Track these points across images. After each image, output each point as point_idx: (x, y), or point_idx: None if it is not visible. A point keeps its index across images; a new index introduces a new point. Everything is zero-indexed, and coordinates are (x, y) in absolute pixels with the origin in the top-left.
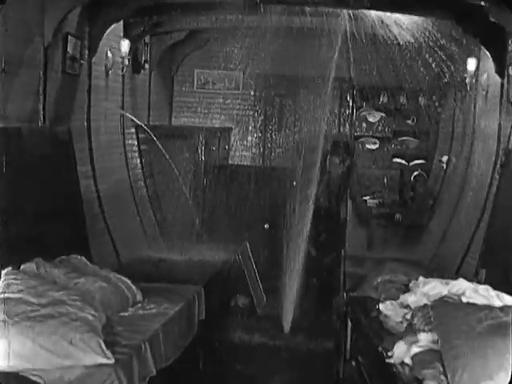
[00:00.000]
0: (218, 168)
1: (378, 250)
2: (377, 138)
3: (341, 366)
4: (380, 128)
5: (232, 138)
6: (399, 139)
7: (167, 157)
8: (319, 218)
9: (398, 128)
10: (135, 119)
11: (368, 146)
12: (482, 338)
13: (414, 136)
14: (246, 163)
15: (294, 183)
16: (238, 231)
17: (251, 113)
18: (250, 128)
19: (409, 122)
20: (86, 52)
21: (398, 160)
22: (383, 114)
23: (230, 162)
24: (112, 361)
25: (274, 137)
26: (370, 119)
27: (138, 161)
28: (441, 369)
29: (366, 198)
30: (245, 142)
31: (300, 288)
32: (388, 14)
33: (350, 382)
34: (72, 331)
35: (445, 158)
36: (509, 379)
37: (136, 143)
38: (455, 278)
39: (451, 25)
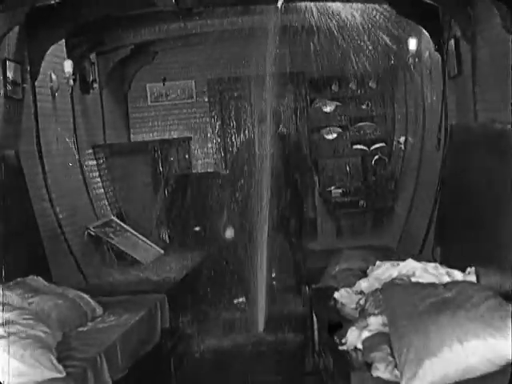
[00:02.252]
0: (176, 178)
1: (348, 239)
2: (335, 127)
3: (311, 359)
4: (336, 117)
5: (192, 147)
6: (357, 125)
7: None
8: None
9: (354, 115)
10: (68, 140)
11: (327, 137)
12: (424, 316)
13: (371, 120)
14: (209, 170)
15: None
16: (205, 238)
17: (208, 119)
18: (209, 135)
19: (363, 107)
20: (28, 76)
21: (358, 146)
22: (338, 103)
23: (193, 170)
24: (63, 374)
25: (233, 140)
26: (326, 109)
27: (99, 180)
28: (389, 350)
29: (331, 188)
30: (205, 150)
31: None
32: (326, 3)
33: (317, 374)
34: (21, 349)
35: (402, 139)
36: (454, 355)
37: (95, 163)
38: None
39: (388, 8)
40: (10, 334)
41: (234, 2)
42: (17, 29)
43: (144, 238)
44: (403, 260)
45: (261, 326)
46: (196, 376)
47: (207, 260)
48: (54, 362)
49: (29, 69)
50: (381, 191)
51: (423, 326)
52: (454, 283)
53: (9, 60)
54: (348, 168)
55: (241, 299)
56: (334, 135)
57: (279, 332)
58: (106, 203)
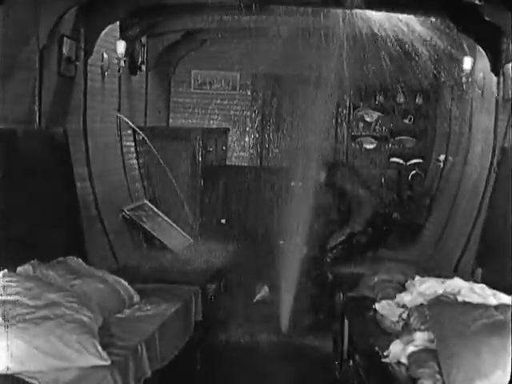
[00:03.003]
0: (215, 169)
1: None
2: (374, 137)
3: (338, 366)
4: (377, 127)
5: (229, 139)
6: (396, 138)
7: (160, 161)
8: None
9: (395, 127)
10: (128, 121)
11: (365, 146)
12: (477, 336)
13: (411, 135)
14: (243, 164)
15: (293, 183)
16: (237, 232)
17: (248, 113)
18: (248, 129)
19: (406, 121)
20: (82, 54)
21: (396, 159)
22: (380, 114)
23: (227, 162)
24: (108, 362)
25: (271, 137)
26: (367, 119)
27: (135, 162)
28: (436, 368)
29: None
30: (242, 143)
31: (298, 287)
32: (384, 13)
33: (346, 381)
34: (68, 333)
35: (442, 157)
36: (508, 378)
37: (133, 145)
38: (452, 277)
39: (447, 24)
40: (55, 317)
41: (297, 3)
42: (76, 7)
43: (175, 225)
44: (444, 277)
45: (284, 327)
46: (225, 371)
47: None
48: (99, 348)
49: (83, 47)
50: (415, 206)
51: (475, 346)
52: (505, 306)
53: (65, 36)
54: (383, 179)
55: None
56: (373, 145)
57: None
58: (141, 186)
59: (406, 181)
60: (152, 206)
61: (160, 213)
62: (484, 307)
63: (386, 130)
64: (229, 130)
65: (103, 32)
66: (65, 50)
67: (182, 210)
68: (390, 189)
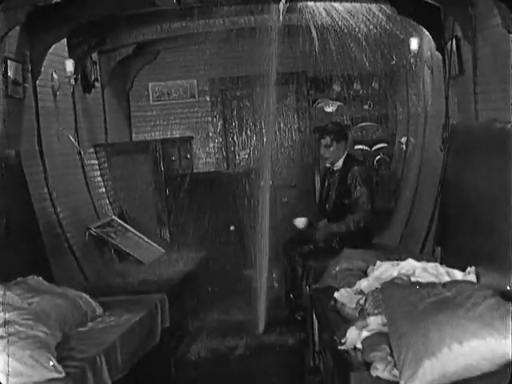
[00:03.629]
0: (180, 177)
1: None
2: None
3: (311, 359)
4: (338, 117)
5: (194, 146)
6: (358, 126)
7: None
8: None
9: (355, 115)
10: (73, 141)
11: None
12: (423, 315)
13: (373, 121)
14: (210, 169)
15: (262, 183)
16: (207, 237)
17: (210, 119)
18: (211, 134)
19: (366, 107)
20: (29, 75)
21: (360, 146)
22: (340, 103)
23: (194, 170)
24: (62, 375)
25: (235, 140)
26: (328, 109)
27: (100, 179)
28: (388, 350)
29: None
30: (207, 149)
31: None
32: (329, 2)
33: (317, 373)
34: (21, 349)
35: (403, 140)
36: (453, 355)
37: (96, 162)
38: (419, 259)
39: (389, 7)
40: (9, 335)
41: (235, 2)
42: (18, 28)
43: (145, 238)
44: (403, 260)
45: (261, 328)
46: (195, 376)
47: (206, 260)
48: (54, 362)
49: (30, 68)
50: (382, 192)
51: (422, 325)
52: (454, 283)
53: (10, 59)
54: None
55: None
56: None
57: (279, 333)
58: (108, 202)
59: (372, 167)
60: (120, 221)
61: (129, 227)
62: (432, 285)
63: (348, 118)
64: (192, 137)
65: (49, 51)
66: (10, 73)
67: (150, 223)
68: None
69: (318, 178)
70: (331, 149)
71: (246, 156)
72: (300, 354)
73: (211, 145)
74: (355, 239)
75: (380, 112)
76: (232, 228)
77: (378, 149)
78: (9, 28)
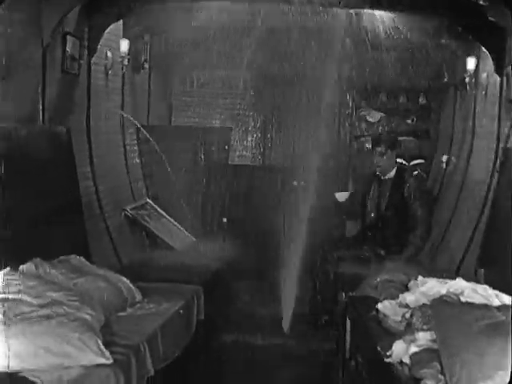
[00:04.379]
0: (217, 167)
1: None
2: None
3: (340, 366)
4: (380, 128)
5: (232, 138)
6: (399, 139)
7: (163, 159)
8: None
9: (397, 128)
10: (133, 120)
11: (367, 146)
12: (480, 336)
13: (414, 136)
14: (246, 163)
15: (295, 183)
16: (239, 231)
17: (251, 113)
18: (250, 128)
19: (408, 121)
20: (86, 52)
21: (398, 160)
22: (383, 114)
23: (230, 162)
24: (110, 361)
25: (273, 136)
26: (370, 119)
27: (138, 161)
28: (439, 368)
29: None
30: (245, 142)
31: (300, 288)
32: (387, 12)
33: (349, 381)
34: (70, 331)
35: (444, 158)
36: (508, 379)
37: (136, 143)
38: (455, 277)
39: (450, 24)
40: (57, 315)
41: (301, 2)
42: (79, 5)
43: (177, 224)
44: (446, 278)
45: (286, 327)
46: (227, 369)
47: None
48: (102, 347)
49: (87, 45)
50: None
51: (478, 346)
52: (507, 307)
53: (69, 34)
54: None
55: None
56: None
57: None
58: (144, 185)
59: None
60: (154, 205)
61: (162, 212)
62: (486, 308)
63: (388, 130)
64: (231, 129)
65: (106, 30)
66: (68, 48)
67: (184, 209)
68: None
69: (351, 186)
70: (385, 157)
71: (282, 154)
72: (325, 358)
73: (249, 138)
74: (389, 249)
75: (422, 127)
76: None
77: (416, 164)
78: (72, 5)
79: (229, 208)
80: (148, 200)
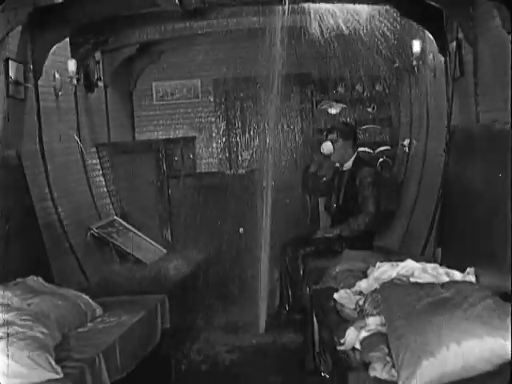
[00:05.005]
0: (180, 178)
1: None
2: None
3: (312, 360)
4: (342, 119)
5: (197, 146)
6: (362, 128)
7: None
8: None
9: (359, 117)
10: (78, 140)
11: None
12: (422, 315)
13: (376, 123)
14: (213, 170)
15: (264, 184)
16: (209, 238)
17: (213, 119)
18: (214, 134)
19: (369, 109)
20: (31, 75)
21: (363, 149)
22: (343, 105)
23: (197, 170)
24: (60, 375)
25: (238, 140)
26: (331, 111)
27: (102, 179)
28: (386, 350)
29: None
30: (210, 149)
31: (272, 287)
32: (332, 4)
33: (318, 374)
34: (19, 350)
35: (406, 142)
36: (451, 355)
37: (98, 162)
38: (420, 260)
39: (392, 9)
40: (8, 335)
41: (238, 3)
42: (19, 28)
43: (147, 238)
44: (403, 261)
45: (262, 328)
46: (194, 377)
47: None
48: (52, 362)
49: (32, 68)
50: (385, 193)
51: (420, 325)
52: (452, 283)
53: (11, 60)
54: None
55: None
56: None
57: (279, 334)
58: (110, 202)
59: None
60: (122, 222)
61: (130, 227)
62: (430, 286)
63: (351, 120)
64: (195, 137)
65: (51, 51)
66: (12, 73)
67: (152, 223)
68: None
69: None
70: (337, 144)
71: (249, 157)
72: (300, 354)
73: (214, 145)
74: (356, 241)
75: (383, 115)
76: (241, 230)
77: (381, 151)
78: (10, 28)
79: (200, 215)
80: (115, 217)
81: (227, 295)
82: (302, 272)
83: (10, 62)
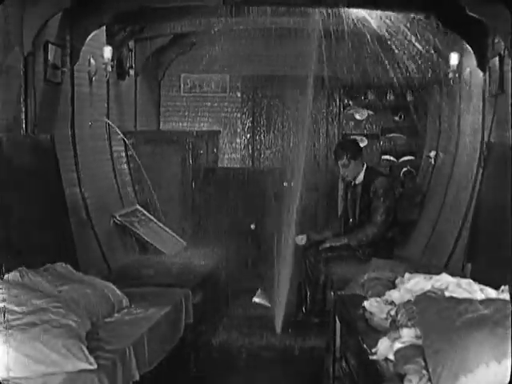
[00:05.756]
0: (206, 171)
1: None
2: (365, 135)
3: (331, 365)
4: (367, 125)
5: (220, 141)
6: (387, 136)
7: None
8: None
9: (385, 125)
10: (115, 127)
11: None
12: (461, 331)
13: (402, 132)
14: (235, 165)
15: (285, 184)
16: (228, 233)
17: (239, 115)
18: (239, 130)
19: (396, 118)
20: (68, 60)
21: (387, 157)
22: (370, 112)
23: (219, 164)
24: (94, 366)
25: (262, 138)
26: (358, 117)
27: (126, 166)
28: (423, 363)
29: None
30: (233, 145)
31: (290, 288)
32: (370, 10)
33: (339, 380)
34: (54, 338)
35: (432, 154)
36: (490, 373)
37: (123, 149)
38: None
39: (432, 20)
40: (42, 322)
41: (278, 2)
42: (60, 13)
43: (168, 229)
44: (432, 273)
45: (278, 329)
46: (215, 373)
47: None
48: (86, 353)
49: (69, 53)
50: (407, 204)
51: (460, 341)
52: (491, 301)
53: (50, 43)
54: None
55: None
56: (364, 143)
57: (296, 335)
58: (133, 191)
59: (397, 178)
60: (144, 211)
61: (152, 217)
62: (469, 302)
63: (377, 127)
64: (220, 132)
65: (89, 38)
66: (50, 57)
67: (174, 214)
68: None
69: (341, 186)
70: (350, 167)
71: (272, 155)
72: (317, 358)
73: (238, 141)
74: (378, 248)
75: (410, 124)
76: (253, 227)
77: (405, 161)
78: (53, 13)
79: (220, 210)
80: (138, 206)
81: (243, 294)
82: (323, 277)
83: (49, 45)
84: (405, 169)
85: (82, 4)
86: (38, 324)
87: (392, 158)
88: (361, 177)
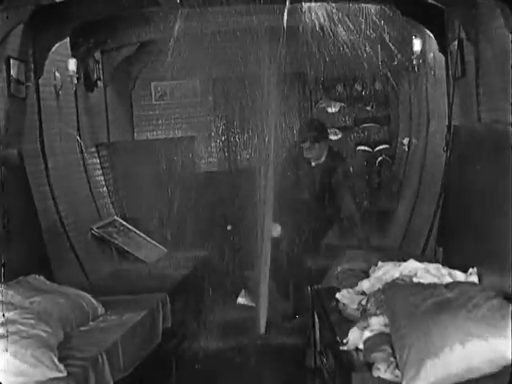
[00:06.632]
0: (182, 177)
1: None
2: (338, 128)
3: (312, 359)
4: (341, 118)
5: (196, 146)
6: (361, 127)
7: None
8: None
9: (358, 116)
10: (79, 139)
11: (331, 137)
12: (426, 316)
13: (376, 122)
14: (212, 169)
15: (263, 182)
16: (208, 236)
17: (212, 118)
18: (213, 134)
19: (368, 108)
20: (32, 74)
21: (362, 147)
22: (342, 104)
23: (196, 169)
24: (64, 374)
25: (237, 140)
26: (330, 110)
27: (102, 178)
28: (390, 351)
29: None
30: (209, 149)
31: (272, 287)
32: (330, 4)
33: (319, 373)
34: (22, 348)
35: (406, 141)
36: (455, 356)
37: (98, 161)
38: (421, 261)
39: (393, 8)
40: (10, 334)
41: (239, 1)
42: (21, 27)
43: (148, 238)
44: (405, 261)
45: (262, 328)
46: (196, 376)
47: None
48: (55, 361)
49: (33, 67)
50: (384, 193)
51: (424, 326)
52: (456, 284)
53: (12, 58)
54: (352, 169)
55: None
56: (338, 136)
57: (279, 333)
58: (109, 202)
59: (374, 168)
60: (122, 222)
61: (131, 227)
62: (434, 286)
63: (350, 119)
64: (194, 137)
65: (52, 50)
66: (13, 72)
67: (153, 222)
68: (358, 177)
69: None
70: (313, 151)
71: (248, 156)
72: (301, 354)
73: (213, 144)
74: None
75: (382, 113)
76: (229, 228)
77: (381, 150)
78: (12, 27)
79: (199, 214)
80: (115, 217)
81: (226, 295)
82: (302, 271)
83: (11, 60)
84: (380, 158)
85: (42, 17)
86: (5, 336)
87: (367, 148)
88: (322, 159)
